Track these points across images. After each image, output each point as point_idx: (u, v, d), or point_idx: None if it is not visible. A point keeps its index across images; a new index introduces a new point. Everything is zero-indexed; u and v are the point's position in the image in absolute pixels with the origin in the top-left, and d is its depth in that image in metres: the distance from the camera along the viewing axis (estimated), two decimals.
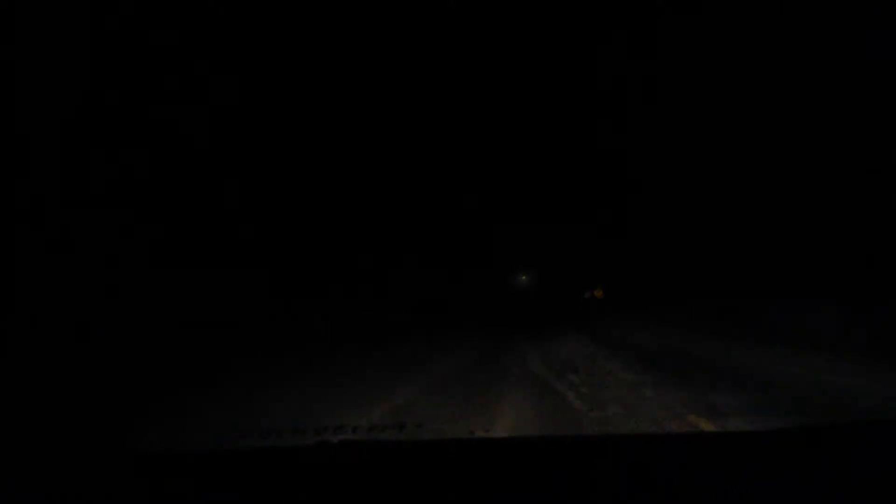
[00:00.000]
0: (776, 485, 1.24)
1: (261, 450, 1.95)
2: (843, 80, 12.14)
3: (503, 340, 12.74)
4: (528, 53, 28.01)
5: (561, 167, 31.06)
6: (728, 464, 1.46)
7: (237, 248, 12.47)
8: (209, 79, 11.97)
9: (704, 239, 18.16)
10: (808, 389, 5.57)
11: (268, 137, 14.36)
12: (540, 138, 30.47)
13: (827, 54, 12.36)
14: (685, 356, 8.65)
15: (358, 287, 17.99)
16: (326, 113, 16.82)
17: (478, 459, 1.67)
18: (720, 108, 16.22)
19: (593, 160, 27.89)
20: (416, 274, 23.06)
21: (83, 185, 9.30)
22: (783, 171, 14.06)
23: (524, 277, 38.70)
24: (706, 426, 4.16)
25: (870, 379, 5.97)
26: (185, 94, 11.27)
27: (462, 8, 20.85)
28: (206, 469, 1.60)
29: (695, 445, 1.85)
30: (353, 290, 17.66)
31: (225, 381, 7.36)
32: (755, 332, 10.40)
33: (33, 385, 6.19)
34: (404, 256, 22.11)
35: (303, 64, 15.83)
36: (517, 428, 4.40)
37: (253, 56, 13.64)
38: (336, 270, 16.65)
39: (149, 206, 10.36)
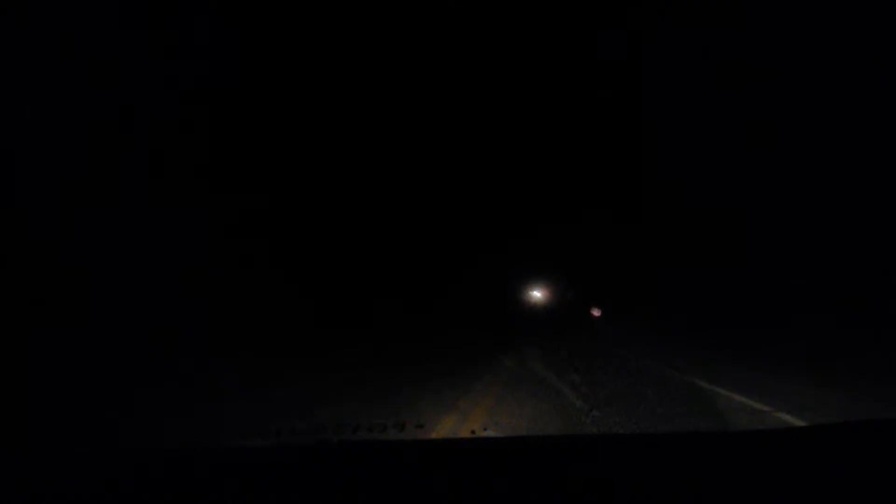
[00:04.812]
0: (776, 485, 1.24)
1: (260, 449, 1.94)
2: (844, 78, 12.11)
3: None
4: (529, 54, 28.00)
5: (561, 167, 31.03)
6: (728, 464, 1.46)
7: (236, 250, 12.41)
8: (209, 78, 11.94)
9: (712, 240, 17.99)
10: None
11: (267, 137, 14.32)
12: (540, 138, 30.48)
13: (828, 53, 12.33)
14: None
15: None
16: (326, 113, 16.79)
17: (478, 459, 1.67)
18: (722, 107, 16.18)
19: (599, 156, 27.75)
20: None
21: (83, 185, 9.27)
22: (785, 169, 14.00)
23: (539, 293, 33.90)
24: None
25: None
26: (185, 94, 11.24)
27: (463, 8, 20.84)
28: (205, 468, 1.60)
29: (695, 445, 1.85)
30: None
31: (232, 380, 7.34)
32: None
33: (42, 387, 6.17)
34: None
35: (303, 64, 15.80)
36: None
37: (253, 56, 13.60)
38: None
39: (149, 206, 10.32)
